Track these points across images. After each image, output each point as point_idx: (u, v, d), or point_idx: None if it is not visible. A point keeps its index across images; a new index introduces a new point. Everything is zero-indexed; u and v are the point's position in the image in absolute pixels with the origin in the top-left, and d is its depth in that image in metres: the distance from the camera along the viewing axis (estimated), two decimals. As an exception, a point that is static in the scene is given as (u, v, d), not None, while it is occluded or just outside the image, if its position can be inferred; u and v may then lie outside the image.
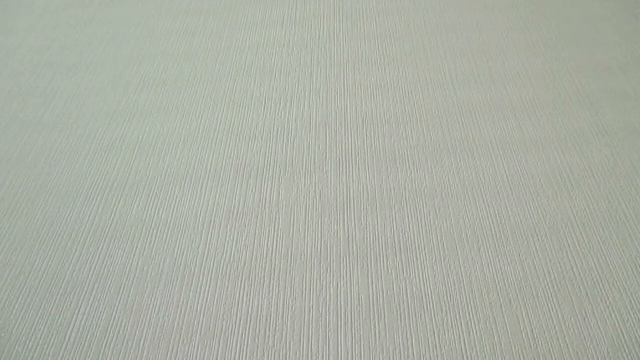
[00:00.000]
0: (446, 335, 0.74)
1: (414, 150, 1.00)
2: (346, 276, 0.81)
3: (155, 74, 1.20)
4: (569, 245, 0.84)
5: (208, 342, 0.74)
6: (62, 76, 1.20)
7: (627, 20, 1.29)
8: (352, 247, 0.85)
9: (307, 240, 0.86)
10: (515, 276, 0.80)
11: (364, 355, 0.72)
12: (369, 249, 0.84)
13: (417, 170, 0.96)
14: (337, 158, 0.99)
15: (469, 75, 1.16)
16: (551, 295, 0.78)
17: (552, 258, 0.82)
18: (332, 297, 0.79)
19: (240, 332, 0.75)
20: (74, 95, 1.15)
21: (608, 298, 0.77)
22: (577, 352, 0.72)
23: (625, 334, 0.73)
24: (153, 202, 0.92)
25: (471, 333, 0.74)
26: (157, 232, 0.88)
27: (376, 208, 0.90)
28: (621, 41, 1.23)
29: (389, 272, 0.81)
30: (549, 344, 0.72)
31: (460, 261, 0.82)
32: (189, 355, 0.73)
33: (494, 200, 0.91)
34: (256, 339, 0.74)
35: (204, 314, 0.77)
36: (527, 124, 1.04)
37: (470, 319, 0.75)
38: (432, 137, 1.02)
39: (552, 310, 0.76)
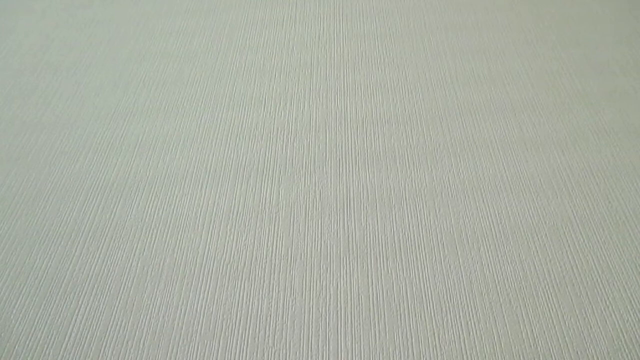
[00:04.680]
0: (446, 335, 0.74)
1: (414, 150, 1.00)
2: (346, 276, 0.81)
3: (155, 74, 1.20)
4: (569, 245, 0.84)
5: (208, 342, 0.74)
6: (62, 76, 1.20)
7: (627, 20, 1.29)
8: (352, 247, 0.85)
9: (307, 240, 0.86)
10: (515, 276, 0.80)
11: (364, 355, 0.72)
12: (369, 249, 0.84)
13: (417, 170, 0.96)
14: (337, 158, 0.99)
15: (469, 75, 1.16)
16: (551, 295, 0.78)
17: (552, 258, 0.82)
18: (332, 297, 0.79)
19: (240, 332, 0.75)
20: (74, 95, 1.15)
21: (608, 298, 0.77)
22: (577, 352, 0.72)
23: (625, 334, 0.73)
24: (153, 202, 0.92)
25: (471, 333, 0.74)
26: (157, 232, 0.88)
27: (376, 208, 0.90)
28: (621, 41, 1.23)
29: (389, 272, 0.81)
30: (549, 344, 0.72)
31: (460, 261, 0.82)
32: (189, 355, 0.73)
33: (494, 200, 0.91)
34: (256, 339, 0.74)
35: (204, 314, 0.77)
36: (527, 124, 1.04)
37: (470, 319, 0.75)
38: (432, 137, 1.02)
39: (552, 310, 0.76)
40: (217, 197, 0.93)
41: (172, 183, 0.96)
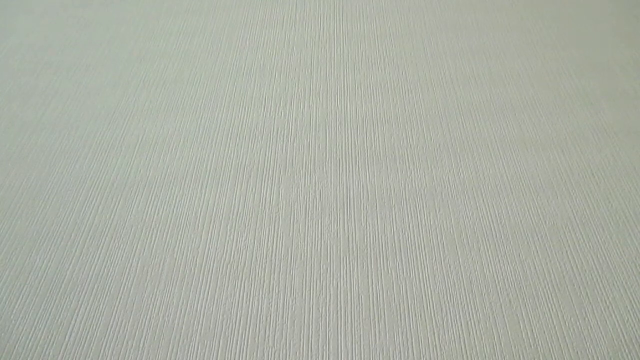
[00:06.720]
0: (446, 335, 0.74)
1: (414, 150, 1.00)
2: (346, 276, 0.81)
3: (155, 74, 1.20)
4: (569, 245, 0.84)
5: (208, 342, 0.74)
6: (62, 76, 1.20)
7: (627, 20, 1.29)
8: (352, 247, 0.85)
9: (307, 240, 0.86)
10: (515, 276, 0.80)
11: (364, 355, 0.72)
12: (369, 249, 0.84)
13: (417, 170, 0.96)
14: (337, 158, 0.99)
15: (469, 75, 1.16)
16: (551, 295, 0.78)
17: (552, 258, 0.82)
18: (332, 297, 0.79)
19: (240, 332, 0.75)
20: (74, 95, 1.15)
21: (608, 298, 0.77)
22: (577, 352, 0.72)
23: (625, 334, 0.73)
24: (153, 202, 0.92)
25: (471, 333, 0.74)
26: (157, 232, 0.88)
27: (376, 208, 0.90)
28: (621, 41, 1.23)
29: (389, 272, 0.81)
30: (549, 344, 0.72)
31: (460, 261, 0.82)
32: (189, 355, 0.73)
33: (494, 200, 0.91)
34: (256, 339, 0.74)
35: (204, 314, 0.77)
36: (527, 124, 1.04)
37: (470, 319, 0.75)
38: (432, 137, 1.02)
39: (552, 310, 0.76)
40: (217, 197, 0.93)
41: (172, 183, 0.96)
